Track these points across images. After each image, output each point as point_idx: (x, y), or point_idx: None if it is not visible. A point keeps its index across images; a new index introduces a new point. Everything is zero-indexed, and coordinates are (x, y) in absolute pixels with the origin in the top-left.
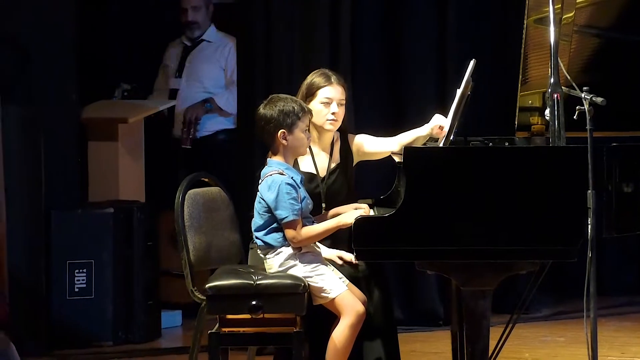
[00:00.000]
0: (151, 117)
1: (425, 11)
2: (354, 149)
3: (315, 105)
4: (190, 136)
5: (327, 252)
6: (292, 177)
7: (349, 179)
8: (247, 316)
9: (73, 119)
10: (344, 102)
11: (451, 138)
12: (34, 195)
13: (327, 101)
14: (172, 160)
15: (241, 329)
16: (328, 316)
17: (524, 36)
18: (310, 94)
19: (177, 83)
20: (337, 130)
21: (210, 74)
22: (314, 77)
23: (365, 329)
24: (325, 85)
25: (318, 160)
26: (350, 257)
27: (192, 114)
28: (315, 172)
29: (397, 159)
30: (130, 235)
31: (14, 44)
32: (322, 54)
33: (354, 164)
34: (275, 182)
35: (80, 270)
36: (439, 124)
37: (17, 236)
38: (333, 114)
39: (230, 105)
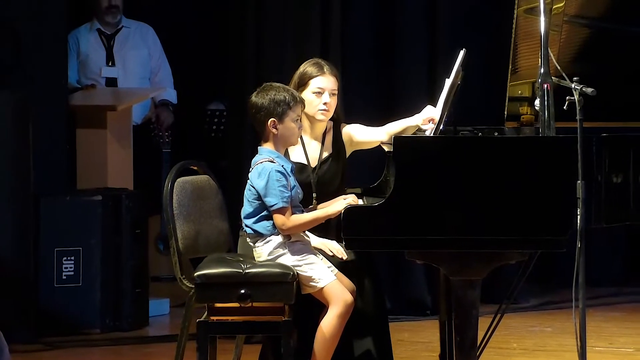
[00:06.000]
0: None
1: (417, 2)
2: (345, 138)
3: (307, 95)
4: (167, 140)
5: (316, 241)
6: (282, 165)
7: (342, 169)
8: (236, 305)
9: (62, 105)
10: (336, 92)
11: (441, 127)
12: (22, 182)
13: (319, 91)
14: (158, 167)
15: (229, 318)
16: (316, 305)
17: (514, 26)
18: (303, 84)
19: (112, 72)
20: (330, 119)
21: (139, 60)
22: (306, 67)
23: (356, 322)
24: (317, 75)
25: (309, 150)
26: (341, 252)
27: (163, 120)
28: (306, 162)
29: (386, 148)
30: (118, 223)
31: (5, 30)
32: (313, 44)
33: (347, 154)
34: (265, 169)
35: (68, 258)
36: (430, 117)
37: (5, 223)
38: (325, 104)
39: (174, 96)
